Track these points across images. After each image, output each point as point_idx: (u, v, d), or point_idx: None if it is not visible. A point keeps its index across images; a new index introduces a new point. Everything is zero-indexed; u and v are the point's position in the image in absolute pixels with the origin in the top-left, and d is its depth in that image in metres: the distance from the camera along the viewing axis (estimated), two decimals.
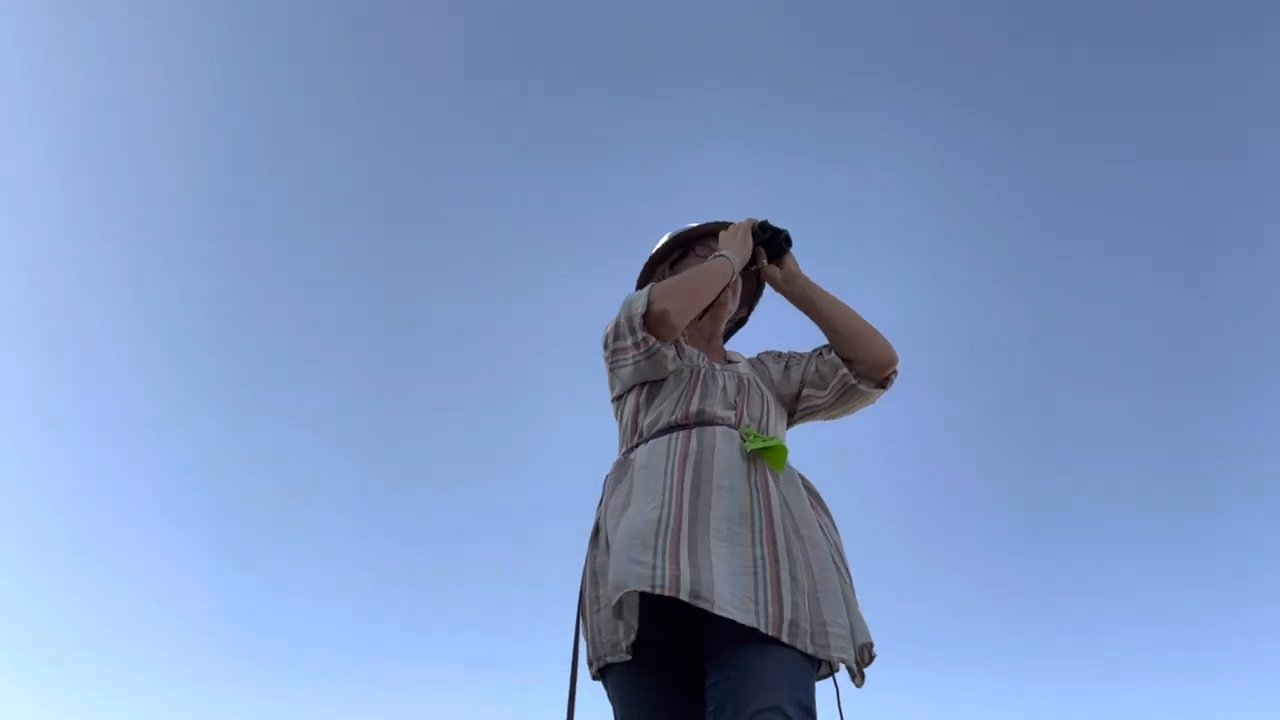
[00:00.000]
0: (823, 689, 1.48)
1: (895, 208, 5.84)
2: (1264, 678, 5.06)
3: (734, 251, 1.83)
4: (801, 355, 1.93)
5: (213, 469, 6.26)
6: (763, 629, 1.37)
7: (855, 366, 1.82)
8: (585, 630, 1.58)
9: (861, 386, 1.82)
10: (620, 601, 1.45)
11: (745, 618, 1.38)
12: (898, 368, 1.85)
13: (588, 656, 1.57)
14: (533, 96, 6.14)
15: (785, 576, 1.45)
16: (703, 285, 1.76)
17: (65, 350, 6.16)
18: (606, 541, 1.60)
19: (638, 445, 1.71)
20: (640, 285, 2.01)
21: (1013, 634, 5.66)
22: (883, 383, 1.85)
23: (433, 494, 6.14)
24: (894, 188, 5.84)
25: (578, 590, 1.65)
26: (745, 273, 1.94)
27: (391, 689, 5.58)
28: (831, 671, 1.51)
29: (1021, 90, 6.00)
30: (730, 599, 1.40)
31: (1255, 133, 5.58)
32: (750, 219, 1.90)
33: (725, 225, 1.94)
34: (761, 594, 1.42)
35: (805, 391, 1.87)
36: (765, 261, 1.91)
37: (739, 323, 2.10)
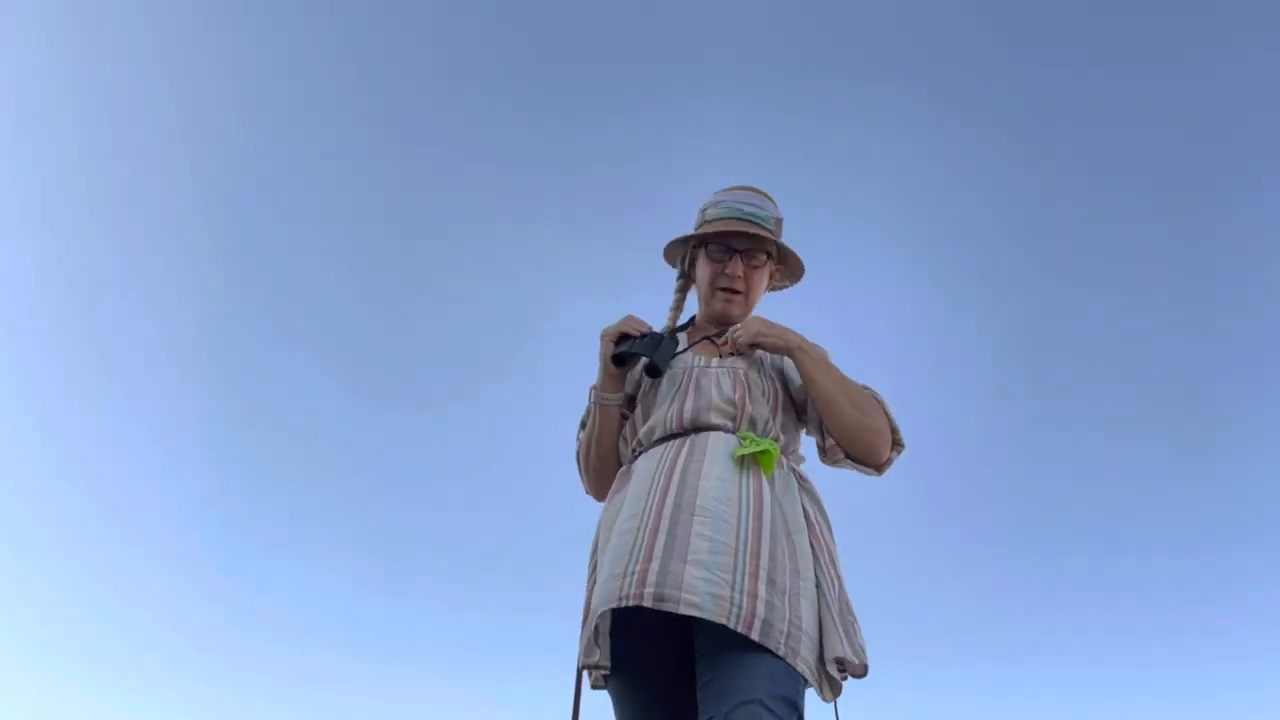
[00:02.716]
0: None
1: (895, 208, 5.85)
2: (1264, 664, 5.09)
3: (599, 384, 1.79)
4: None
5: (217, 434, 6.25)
6: (732, 625, 1.36)
7: (843, 449, 1.69)
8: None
9: (849, 467, 1.71)
10: (597, 625, 1.49)
11: (715, 612, 1.37)
12: (894, 456, 1.71)
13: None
14: (533, 96, 6.16)
15: (764, 575, 1.42)
16: (591, 446, 1.80)
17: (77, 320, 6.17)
18: (596, 562, 1.62)
19: (637, 455, 1.71)
20: (667, 259, 1.98)
21: (1017, 628, 5.68)
22: (877, 467, 1.71)
23: (444, 481, 6.14)
24: (894, 188, 5.85)
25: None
26: (789, 255, 1.87)
27: (396, 673, 5.60)
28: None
29: (1021, 91, 6.01)
30: (703, 589, 1.38)
31: (1256, 132, 5.58)
32: (605, 346, 1.76)
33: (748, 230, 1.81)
34: (739, 581, 1.40)
35: (809, 423, 1.76)
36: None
37: (779, 288, 2.00)
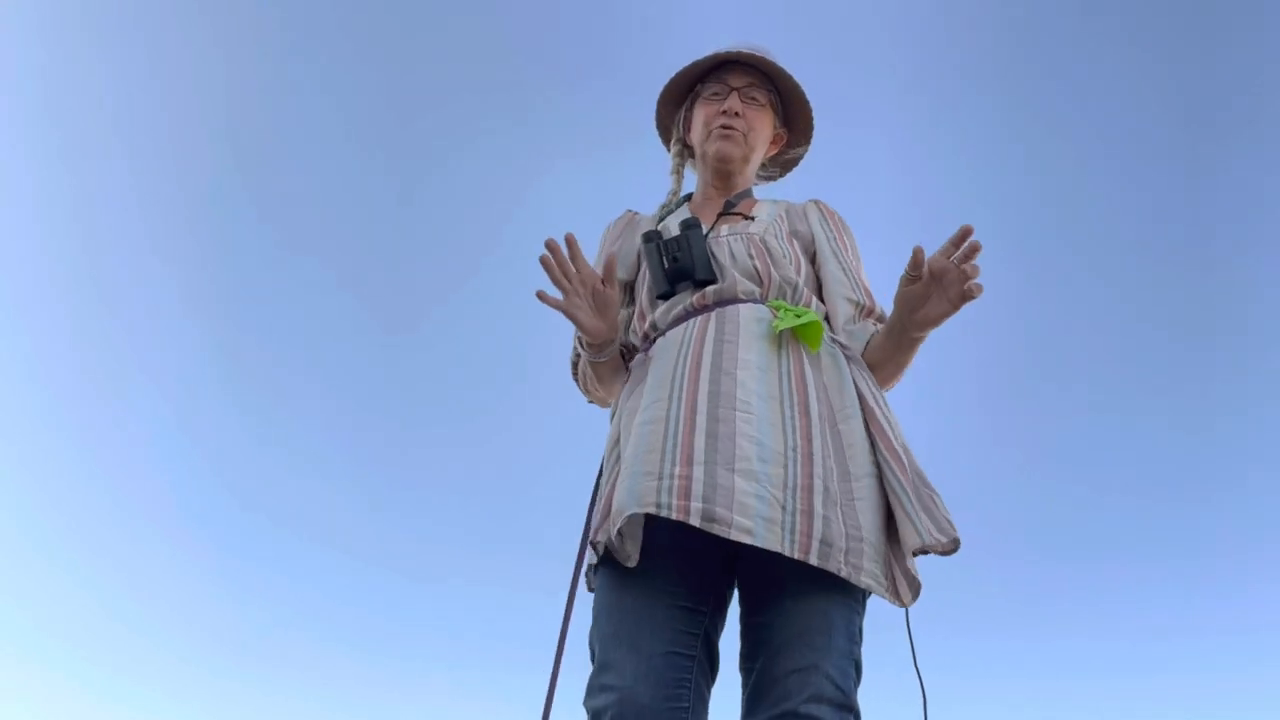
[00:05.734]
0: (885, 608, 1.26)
1: (895, 207, 5.90)
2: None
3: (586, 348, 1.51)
4: (835, 265, 1.57)
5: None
6: (788, 552, 1.17)
7: None
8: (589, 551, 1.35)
9: None
10: (622, 529, 1.23)
11: (768, 539, 1.17)
12: None
13: (587, 563, 1.38)
14: (531, 94, 6.18)
15: (818, 484, 1.23)
16: (595, 387, 1.61)
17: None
18: (619, 455, 1.37)
19: (654, 340, 1.49)
20: (660, 129, 1.82)
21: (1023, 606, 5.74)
22: None
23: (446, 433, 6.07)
24: (893, 187, 5.91)
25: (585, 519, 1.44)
26: (794, 103, 1.72)
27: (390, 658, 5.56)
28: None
29: (1023, 89, 6.07)
30: (755, 510, 1.19)
31: (1261, 129, 5.64)
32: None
33: (723, 56, 1.68)
34: (790, 500, 1.21)
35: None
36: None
37: (792, 161, 1.84)
